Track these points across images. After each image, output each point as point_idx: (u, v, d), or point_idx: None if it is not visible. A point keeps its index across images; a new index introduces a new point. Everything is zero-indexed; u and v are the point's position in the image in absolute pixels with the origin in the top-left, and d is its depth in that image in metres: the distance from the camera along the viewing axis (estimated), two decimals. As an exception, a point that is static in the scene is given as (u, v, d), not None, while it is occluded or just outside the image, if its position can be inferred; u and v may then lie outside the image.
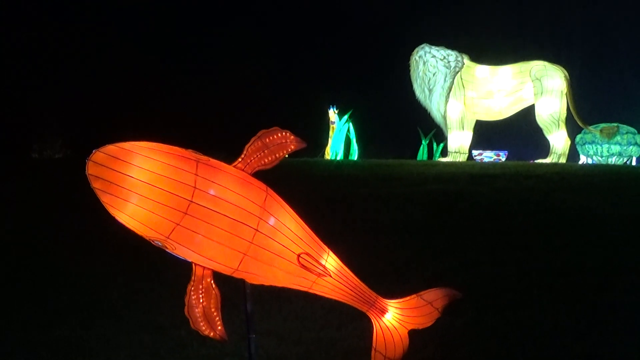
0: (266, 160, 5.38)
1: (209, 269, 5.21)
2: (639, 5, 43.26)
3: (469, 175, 17.26)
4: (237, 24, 39.68)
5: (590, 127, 25.33)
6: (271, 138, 5.41)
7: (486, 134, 27.08)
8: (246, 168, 5.28)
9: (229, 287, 5.64)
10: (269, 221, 5.22)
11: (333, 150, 27.92)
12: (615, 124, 26.53)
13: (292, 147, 5.48)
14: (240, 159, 5.29)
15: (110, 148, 4.91)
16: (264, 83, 37.35)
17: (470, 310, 8.06)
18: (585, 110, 25.94)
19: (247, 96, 36.21)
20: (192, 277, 5.22)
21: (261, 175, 5.35)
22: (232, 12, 40.06)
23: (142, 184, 4.85)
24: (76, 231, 11.57)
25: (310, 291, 5.59)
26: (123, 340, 7.84)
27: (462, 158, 23.63)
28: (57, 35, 35.13)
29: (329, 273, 5.51)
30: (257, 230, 5.14)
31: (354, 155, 28.39)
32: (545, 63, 23.72)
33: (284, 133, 5.45)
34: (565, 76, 23.27)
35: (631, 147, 27.01)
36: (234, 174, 5.18)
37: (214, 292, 5.28)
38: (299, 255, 5.36)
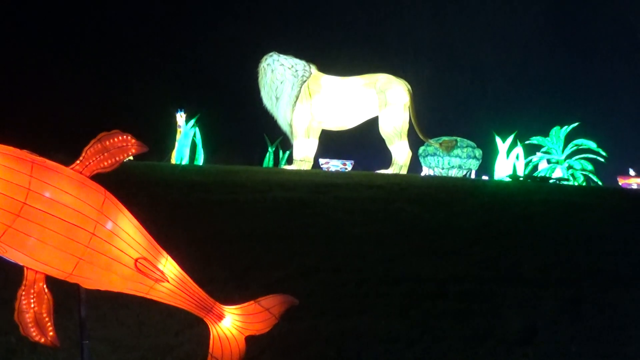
0: (105, 164, 5.28)
1: (41, 273, 5.07)
2: (483, 24, 45.16)
3: (312, 183, 17.48)
4: (82, 21, 38.71)
5: (432, 140, 26.18)
6: (111, 141, 5.32)
7: (335, 143, 27.54)
8: (84, 171, 5.17)
9: (63, 291, 5.51)
10: (106, 225, 5.13)
11: (178, 155, 27.69)
12: (455, 138, 27.55)
13: (133, 150, 5.42)
14: (78, 161, 5.17)
15: (-62, 147, 4.72)
16: (108, 84, 36.58)
17: (308, 316, 8.16)
18: (428, 123, 26.79)
19: (89, 97, 35.36)
20: (24, 282, 5.06)
21: (103, 178, 5.26)
22: (78, 9, 39.04)
23: (-28, 185, 4.68)
24: None
25: (148, 296, 5.54)
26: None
27: (307, 166, 23.91)
28: None
29: (167, 278, 5.48)
30: (93, 234, 5.04)
31: (200, 160, 28.27)
32: (390, 76, 24.40)
33: (124, 136, 5.37)
34: (408, 90, 24.00)
35: (470, 160, 28.14)
36: (71, 177, 5.06)
37: (46, 296, 5.15)
38: (136, 260, 5.29)
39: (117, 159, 5.32)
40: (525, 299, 9.33)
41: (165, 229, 7.96)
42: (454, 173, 28.61)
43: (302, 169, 23.57)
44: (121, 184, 5.79)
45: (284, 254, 10.96)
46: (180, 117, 28.51)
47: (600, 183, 33.43)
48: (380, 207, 14.82)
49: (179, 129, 28.37)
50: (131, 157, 5.62)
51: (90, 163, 5.20)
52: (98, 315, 7.77)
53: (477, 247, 12.02)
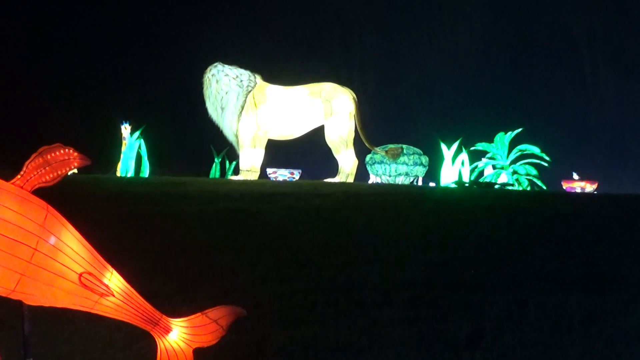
0: (47, 178, 5.22)
1: (-18, 290, 4.99)
2: (426, 32, 45.58)
3: (259, 193, 17.46)
4: (20, 27, 38.16)
5: (377, 148, 26.30)
6: (53, 155, 5.26)
7: (283, 152, 27.55)
8: (25, 185, 5.11)
9: (5, 308, 5.43)
10: (49, 240, 5.07)
11: (123, 167, 27.42)
12: (401, 145, 27.69)
13: (76, 164, 5.36)
14: (19, 176, 5.11)
15: None
16: (49, 95, 36.08)
17: (257, 327, 8.15)
18: (374, 131, 26.94)
19: (30, 110, 34.84)
20: (-36, 299, 4.99)
21: (47, 192, 5.20)
22: (16, 15, 38.45)
23: None
24: None
25: (93, 311, 5.47)
26: None
27: (253, 176, 23.87)
28: None
29: (112, 292, 5.42)
30: (35, 249, 4.97)
31: (145, 172, 28.04)
32: (335, 85, 24.50)
33: (66, 150, 5.32)
34: (353, 98, 24.12)
35: (417, 167, 28.28)
36: (12, 192, 4.99)
37: (-12, 314, 5.08)
38: (80, 275, 5.23)
39: (59, 172, 5.27)
40: (472, 304, 9.43)
41: (111, 242, 7.89)
42: (401, 180, 28.78)
43: (249, 179, 23.52)
44: (65, 198, 5.73)
45: (231, 265, 10.94)
46: (125, 129, 28.23)
47: (544, 187, 33.89)
48: (328, 216, 14.87)
49: (123, 141, 28.12)
50: (75, 171, 5.57)
51: (31, 177, 5.14)
52: (42, 332, 7.65)
53: (424, 254, 12.12)
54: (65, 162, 5.29)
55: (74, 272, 5.20)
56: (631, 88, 46.83)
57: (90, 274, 5.28)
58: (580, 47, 48.16)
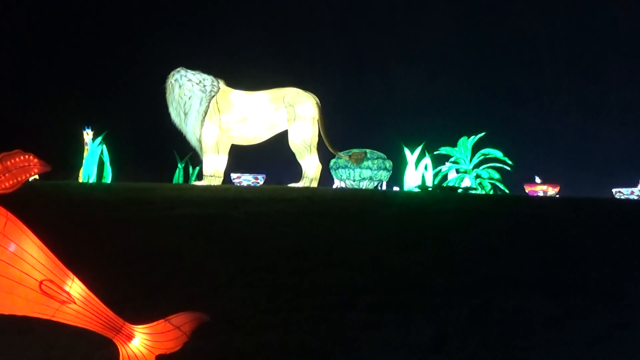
0: (7, 184, 5.17)
1: (-60, 299, 4.93)
2: (390, 36, 45.85)
3: (223, 198, 17.40)
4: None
5: (341, 153, 26.32)
6: (13, 161, 5.21)
7: (247, 157, 27.50)
8: (-16, 192, 5.06)
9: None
10: (8, 247, 5.02)
11: (85, 173, 27.23)
12: (364, 150, 27.75)
13: (36, 170, 5.31)
14: (-23, 183, 5.06)
15: None
16: (9, 101, 35.69)
17: (220, 333, 8.11)
18: (338, 136, 26.95)
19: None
20: None
21: (7, 199, 5.14)
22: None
23: None
24: None
25: (54, 319, 5.42)
26: None
27: (217, 182, 23.80)
28: None
29: (74, 300, 5.37)
30: (-6, 257, 4.93)
31: (108, 178, 27.86)
32: (299, 90, 24.51)
33: (26, 156, 5.27)
34: (317, 103, 24.14)
35: (381, 171, 28.41)
36: (-30, 199, 4.95)
37: (-54, 323, 5.01)
38: (41, 283, 5.18)
39: (19, 179, 5.21)
40: (435, 308, 9.46)
41: (73, 248, 7.80)
42: (365, 185, 28.87)
43: (212, 184, 23.44)
44: (25, 205, 5.65)
45: (194, 270, 10.86)
46: (87, 134, 28.08)
47: (507, 191, 34.19)
48: (292, 221, 14.84)
49: (85, 147, 27.95)
50: (37, 177, 5.52)
51: (-10, 184, 5.09)
52: (2, 340, 7.56)
53: (388, 258, 12.13)
54: (26, 168, 5.24)
55: (34, 279, 5.15)
56: (591, 92, 47.46)
57: (51, 281, 5.23)
58: (541, 51, 48.70)
